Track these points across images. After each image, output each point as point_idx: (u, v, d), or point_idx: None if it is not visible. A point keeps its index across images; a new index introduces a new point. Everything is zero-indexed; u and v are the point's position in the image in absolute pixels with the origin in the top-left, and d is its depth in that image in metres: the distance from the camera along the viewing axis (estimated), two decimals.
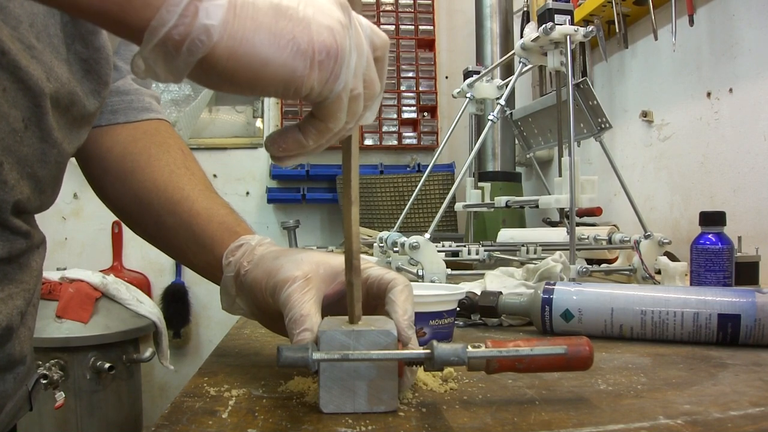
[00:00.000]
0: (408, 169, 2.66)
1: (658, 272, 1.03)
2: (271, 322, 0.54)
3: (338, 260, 0.49)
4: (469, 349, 0.42)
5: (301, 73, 0.34)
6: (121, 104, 0.64)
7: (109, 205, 0.65)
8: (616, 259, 1.29)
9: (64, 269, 1.84)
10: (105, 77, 0.53)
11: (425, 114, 2.76)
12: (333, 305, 0.49)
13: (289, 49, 0.33)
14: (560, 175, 1.07)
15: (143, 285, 2.56)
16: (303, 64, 0.33)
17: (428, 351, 0.41)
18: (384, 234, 1.19)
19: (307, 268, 0.47)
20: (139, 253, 2.64)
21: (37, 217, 0.54)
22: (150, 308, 1.89)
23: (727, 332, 0.61)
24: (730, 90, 1.42)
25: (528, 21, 2.21)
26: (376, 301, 0.49)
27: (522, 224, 2.18)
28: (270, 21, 0.32)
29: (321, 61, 0.34)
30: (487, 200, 1.55)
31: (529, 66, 1.16)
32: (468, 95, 1.52)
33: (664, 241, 1.07)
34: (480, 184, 1.60)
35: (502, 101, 1.13)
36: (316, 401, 0.42)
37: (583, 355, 0.43)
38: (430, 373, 0.48)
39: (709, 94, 1.49)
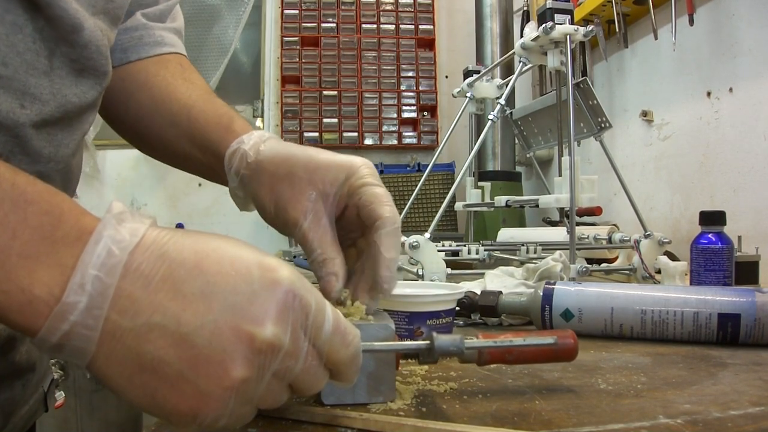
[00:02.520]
0: (408, 168, 2.66)
1: (658, 272, 1.03)
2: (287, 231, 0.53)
3: (335, 162, 0.48)
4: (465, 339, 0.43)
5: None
6: (130, 41, 0.61)
7: (116, 129, 0.64)
8: (616, 258, 1.29)
9: None
10: (102, 68, 0.51)
11: (425, 113, 2.76)
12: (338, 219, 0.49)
13: (147, 403, 0.31)
14: (560, 175, 1.07)
15: None
16: (163, 415, 0.32)
17: (428, 342, 0.43)
18: None
19: (311, 192, 0.46)
20: None
21: None
22: None
23: (727, 332, 0.61)
24: (730, 90, 1.42)
25: (528, 20, 2.20)
26: (357, 233, 0.48)
27: (522, 224, 2.18)
28: (132, 369, 0.30)
29: (179, 422, 0.31)
30: (487, 200, 1.55)
31: (529, 65, 1.16)
32: (468, 95, 1.52)
33: (664, 240, 1.07)
34: (480, 183, 1.60)
35: (502, 101, 1.13)
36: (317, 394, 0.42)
37: (569, 347, 0.45)
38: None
39: (709, 94, 1.49)
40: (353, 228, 0.49)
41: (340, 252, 0.46)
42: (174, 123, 0.58)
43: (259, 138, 0.52)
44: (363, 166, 0.48)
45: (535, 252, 1.21)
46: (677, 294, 0.64)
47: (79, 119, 0.51)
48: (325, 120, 2.67)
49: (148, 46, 0.62)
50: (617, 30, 1.73)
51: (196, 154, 0.56)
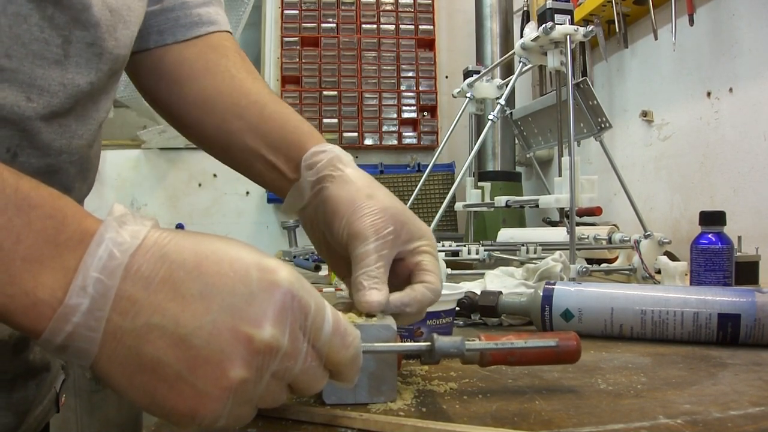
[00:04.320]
0: (408, 168, 2.66)
1: (658, 272, 1.03)
2: (325, 245, 0.53)
3: (418, 226, 0.49)
4: (466, 341, 0.43)
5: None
6: (167, 23, 0.59)
7: (161, 111, 0.62)
8: (616, 258, 1.29)
9: None
10: (113, 50, 0.49)
11: (425, 114, 2.76)
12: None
13: (147, 403, 0.31)
14: (560, 175, 1.07)
15: None
16: (163, 415, 0.32)
17: (428, 343, 0.43)
18: None
19: (390, 226, 0.47)
20: None
21: None
22: None
23: (727, 332, 0.61)
24: (730, 90, 1.42)
25: (528, 21, 2.20)
26: (395, 283, 0.49)
27: (522, 224, 2.18)
28: (133, 369, 0.31)
29: (178, 421, 0.32)
30: (487, 200, 1.55)
31: (529, 66, 1.16)
32: (468, 95, 1.52)
33: (664, 240, 1.07)
34: (480, 183, 1.60)
35: (502, 101, 1.13)
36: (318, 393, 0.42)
37: (571, 349, 0.45)
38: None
39: (709, 94, 1.49)
40: (396, 279, 0.49)
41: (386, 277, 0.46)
42: (241, 116, 0.57)
43: (347, 154, 0.53)
44: (430, 235, 0.50)
45: (535, 252, 1.21)
46: (677, 294, 0.64)
47: (94, 107, 0.50)
48: (325, 120, 2.67)
49: (184, 28, 0.60)
50: (617, 30, 1.73)
51: (259, 149, 0.56)
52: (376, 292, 0.44)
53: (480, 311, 0.75)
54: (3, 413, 0.50)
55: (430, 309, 0.60)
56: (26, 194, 0.31)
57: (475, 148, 1.17)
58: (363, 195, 0.49)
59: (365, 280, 0.45)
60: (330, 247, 0.52)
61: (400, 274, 0.49)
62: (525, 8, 2.37)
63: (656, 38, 1.60)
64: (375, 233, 0.46)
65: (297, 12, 2.70)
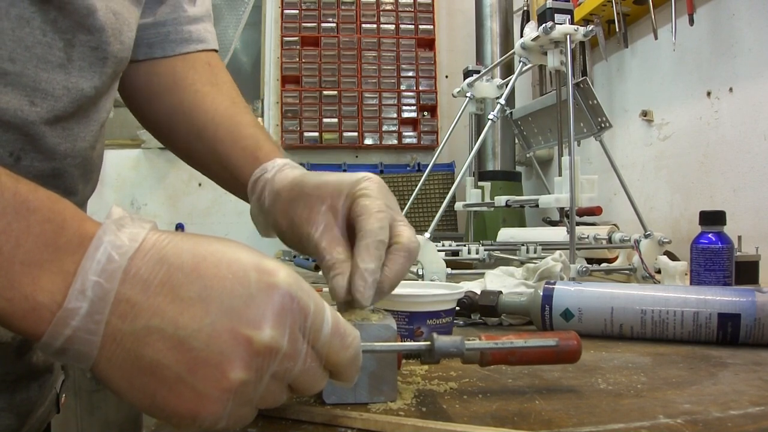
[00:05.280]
0: (408, 168, 2.66)
1: (658, 271, 1.03)
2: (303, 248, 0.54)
3: (342, 177, 0.49)
4: (466, 341, 0.43)
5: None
6: (157, 37, 0.60)
7: (143, 123, 0.64)
8: (616, 258, 1.29)
9: None
10: (118, 54, 0.49)
11: (425, 113, 2.76)
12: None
13: (148, 405, 0.31)
14: (560, 175, 1.07)
15: None
16: (163, 417, 0.32)
17: (428, 343, 0.43)
18: None
19: (322, 206, 0.47)
20: None
21: None
22: None
23: (727, 331, 0.61)
24: (730, 89, 1.42)
25: (528, 20, 2.20)
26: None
27: (522, 223, 2.18)
28: (133, 372, 0.31)
29: (179, 423, 0.32)
30: (487, 200, 1.55)
31: (529, 65, 1.16)
32: (468, 94, 1.52)
33: (664, 240, 1.07)
34: (480, 183, 1.60)
35: (502, 100, 1.13)
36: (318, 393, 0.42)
37: (572, 349, 0.45)
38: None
39: (709, 94, 1.49)
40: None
41: (349, 256, 0.45)
42: (200, 137, 0.58)
43: (281, 166, 0.54)
44: (364, 179, 0.48)
45: (535, 252, 1.21)
46: (677, 294, 0.64)
47: (95, 109, 0.50)
48: (325, 120, 2.67)
49: (174, 44, 0.61)
50: (617, 30, 1.72)
51: (219, 171, 0.58)
52: (335, 283, 0.44)
53: (480, 311, 0.75)
54: (5, 415, 0.50)
55: (431, 309, 0.60)
56: (25, 198, 0.31)
57: (475, 147, 1.17)
58: (290, 200, 0.49)
59: (327, 274, 0.45)
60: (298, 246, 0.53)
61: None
62: (525, 8, 2.37)
63: (656, 38, 1.60)
64: (314, 226, 0.47)
65: (297, 12, 2.70)
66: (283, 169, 0.54)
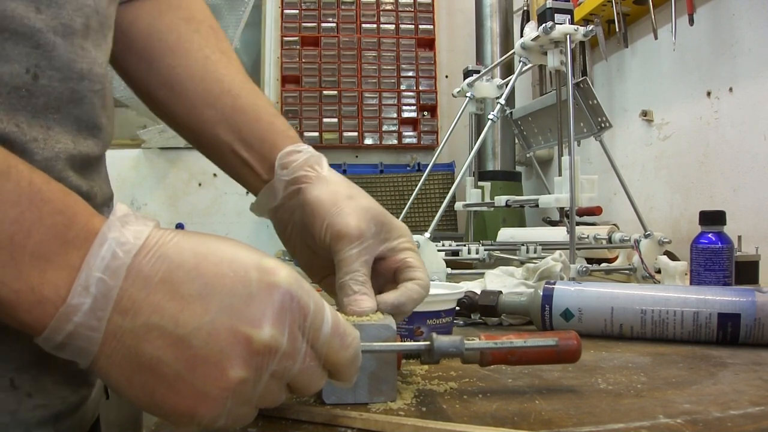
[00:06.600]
0: (408, 168, 2.66)
1: (658, 271, 1.03)
2: (299, 247, 0.53)
3: (396, 225, 0.49)
4: (465, 341, 0.43)
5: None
6: None
7: (131, 86, 0.59)
8: (616, 258, 1.29)
9: None
10: None
11: (425, 113, 2.76)
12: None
13: (147, 402, 0.32)
14: (560, 175, 1.07)
15: None
16: (162, 414, 0.32)
17: (428, 343, 0.43)
18: None
19: (368, 228, 0.47)
20: None
21: None
22: None
23: (727, 331, 0.61)
24: (730, 89, 1.42)
25: (528, 20, 2.20)
26: (381, 282, 0.49)
27: (522, 223, 2.18)
28: (132, 368, 0.31)
29: (177, 421, 0.32)
30: (487, 199, 1.55)
31: (529, 65, 1.16)
32: (468, 94, 1.52)
33: (664, 240, 1.07)
34: (480, 183, 1.60)
35: (502, 100, 1.13)
36: (318, 393, 0.42)
37: (571, 348, 0.45)
38: None
39: (709, 94, 1.49)
40: (380, 277, 0.49)
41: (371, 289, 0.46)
42: (213, 105, 0.55)
43: (326, 174, 0.52)
44: (409, 232, 0.50)
45: (535, 252, 1.21)
46: (677, 294, 0.64)
47: (102, 33, 0.47)
48: (325, 120, 2.67)
49: None
50: (617, 30, 1.73)
51: (231, 143, 0.54)
52: (367, 299, 0.45)
53: (480, 311, 0.75)
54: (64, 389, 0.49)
55: (430, 309, 0.60)
56: (39, 188, 0.31)
57: (475, 147, 1.17)
58: (343, 196, 0.48)
59: (354, 285, 0.45)
60: (305, 249, 0.52)
61: (382, 273, 0.49)
62: (525, 8, 2.37)
63: (656, 38, 1.60)
64: (359, 235, 0.46)
65: (297, 12, 2.70)
66: (331, 169, 0.52)
